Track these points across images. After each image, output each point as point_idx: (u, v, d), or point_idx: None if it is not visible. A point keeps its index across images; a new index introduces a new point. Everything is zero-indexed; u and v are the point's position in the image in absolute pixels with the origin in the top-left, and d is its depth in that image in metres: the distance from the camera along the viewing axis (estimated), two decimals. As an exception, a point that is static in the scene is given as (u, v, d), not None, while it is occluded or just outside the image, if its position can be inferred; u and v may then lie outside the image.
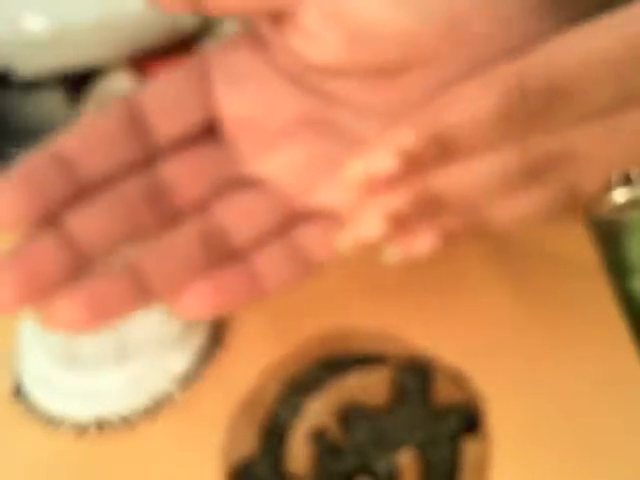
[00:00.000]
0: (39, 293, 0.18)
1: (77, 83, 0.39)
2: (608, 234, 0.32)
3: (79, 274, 0.19)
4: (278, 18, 0.20)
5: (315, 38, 0.19)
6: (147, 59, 0.39)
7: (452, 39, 0.19)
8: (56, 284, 0.19)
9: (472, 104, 0.17)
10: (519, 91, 0.17)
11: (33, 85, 0.38)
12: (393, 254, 0.20)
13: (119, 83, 0.38)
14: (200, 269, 0.21)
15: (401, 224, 0.19)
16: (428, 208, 0.19)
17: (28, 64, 0.36)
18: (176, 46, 0.39)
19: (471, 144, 0.18)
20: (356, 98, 0.21)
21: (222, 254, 0.21)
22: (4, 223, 0.18)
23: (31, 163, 0.19)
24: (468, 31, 0.19)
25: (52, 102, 0.39)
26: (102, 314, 0.19)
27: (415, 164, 0.18)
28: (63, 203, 0.19)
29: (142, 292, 0.20)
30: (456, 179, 0.19)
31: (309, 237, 0.22)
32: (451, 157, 0.19)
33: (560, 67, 0.17)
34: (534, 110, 0.17)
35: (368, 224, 0.19)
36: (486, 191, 0.19)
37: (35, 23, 0.34)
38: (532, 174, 0.19)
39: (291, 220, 0.22)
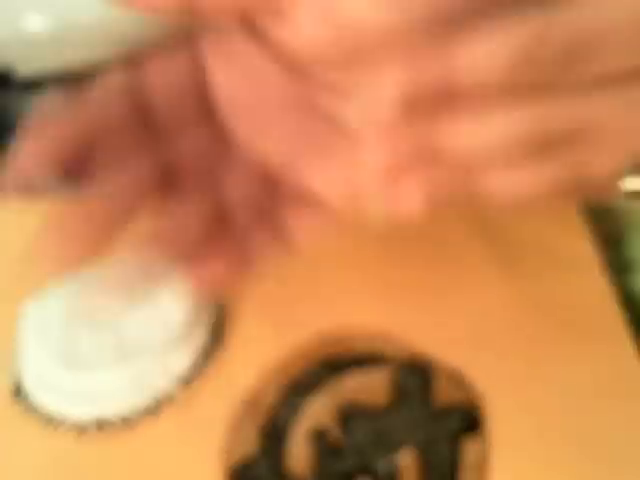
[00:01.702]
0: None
1: (77, 83, 0.39)
2: (609, 233, 0.32)
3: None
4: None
5: (303, 33, 0.20)
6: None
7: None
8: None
9: (491, 43, 0.17)
10: (543, 38, 0.16)
11: (33, 85, 0.38)
12: (377, 212, 0.20)
13: (119, 83, 0.38)
14: (201, 245, 0.22)
15: (394, 172, 0.19)
16: (424, 158, 0.19)
17: (28, 64, 0.36)
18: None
19: (482, 92, 0.18)
20: (344, 85, 0.21)
21: (220, 231, 0.22)
22: (28, 169, 0.19)
23: (48, 119, 0.20)
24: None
25: (52, 102, 0.39)
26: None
27: (421, 107, 0.18)
28: (82, 146, 0.20)
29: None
30: (461, 138, 0.19)
31: (294, 219, 0.23)
32: (460, 106, 0.18)
33: (592, 19, 0.16)
34: (555, 61, 0.17)
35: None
36: (491, 157, 0.19)
37: (35, 23, 0.34)
38: (543, 147, 0.18)
39: (280, 200, 0.23)
